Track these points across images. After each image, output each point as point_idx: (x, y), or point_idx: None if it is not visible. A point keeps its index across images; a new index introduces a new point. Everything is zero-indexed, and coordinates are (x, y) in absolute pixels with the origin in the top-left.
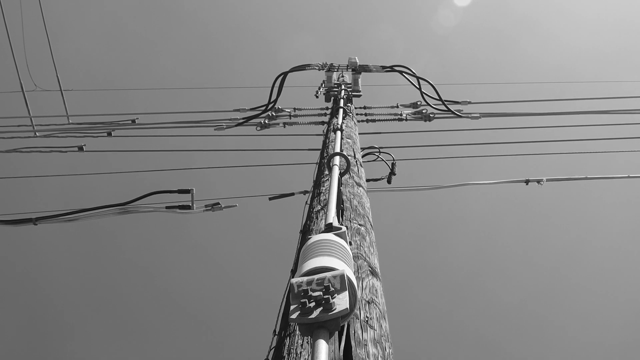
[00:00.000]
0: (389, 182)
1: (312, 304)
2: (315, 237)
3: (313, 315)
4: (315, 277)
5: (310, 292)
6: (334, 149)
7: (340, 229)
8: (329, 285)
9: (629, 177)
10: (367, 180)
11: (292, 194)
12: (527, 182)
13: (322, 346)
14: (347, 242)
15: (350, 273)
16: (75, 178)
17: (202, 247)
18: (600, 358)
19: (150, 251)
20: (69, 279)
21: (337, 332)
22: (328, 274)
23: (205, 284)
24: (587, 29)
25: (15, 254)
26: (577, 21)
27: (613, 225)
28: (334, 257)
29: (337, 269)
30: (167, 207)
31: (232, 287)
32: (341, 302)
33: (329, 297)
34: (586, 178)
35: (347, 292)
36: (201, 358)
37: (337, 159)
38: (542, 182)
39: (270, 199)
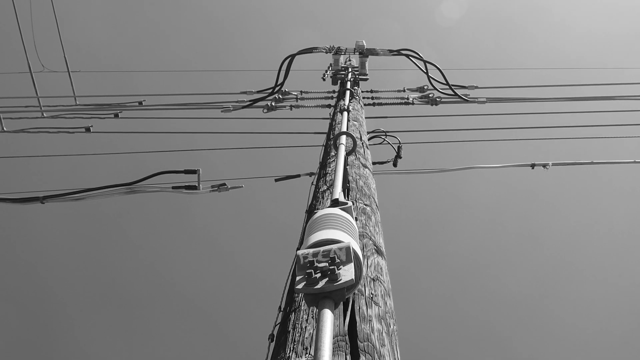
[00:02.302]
0: (394, 165)
1: (318, 275)
2: (321, 212)
3: (319, 286)
4: (321, 249)
5: (316, 264)
6: (340, 129)
7: (346, 203)
8: (334, 257)
9: (635, 162)
10: (373, 163)
11: (298, 176)
12: (532, 166)
13: (328, 316)
14: (352, 216)
15: (355, 246)
16: (82, 159)
17: (208, 228)
18: (607, 347)
19: (155, 233)
20: (72, 262)
21: (342, 308)
22: (334, 246)
23: (209, 266)
24: (594, 14)
25: (19, 237)
26: (584, 7)
27: (620, 211)
28: (339, 230)
29: (343, 242)
30: (173, 187)
31: (237, 268)
32: (347, 273)
33: (334, 268)
34: (592, 163)
35: (352, 264)
36: (206, 339)
37: (343, 138)
38: (548, 167)
39: (276, 180)
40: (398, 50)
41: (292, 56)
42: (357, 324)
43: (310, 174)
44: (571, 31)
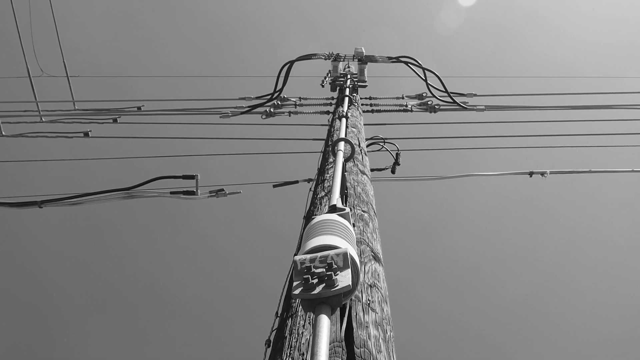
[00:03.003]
0: (393, 172)
1: (315, 280)
2: (318, 217)
3: (316, 291)
4: (319, 254)
5: (313, 269)
6: (338, 136)
7: (344, 210)
8: (331, 263)
9: (633, 171)
10: (372, 170)
11: (297, 182)
12: (530, 174)
13: (324, 321)
14: (350, 222)
15: (353, 252)
16: (80, 163)
17: (206, 233)
18: (603, 356)
19: (153, 239)
20: (70, 266)
21: (339, 314)
22: (331, 252)
23: (207, 271)
24: (592, 24)
25: (17, 242)
26: (582, 17)
27: (617, 219)
28: (337, 236)
29: (340, 247)
30: (171, 193)
31: (235, 274)
32: (344, 279)
33: (331, 274)
34: (590, 171)
35: (349, 270)
36: (203, 344)
37: (341, 145)
38: (545, 175)
39: (274, 186)
40: (397, 58)
41: (291, 62)
42: (354, 330)
43: (309, 180)
44: (569, 40)
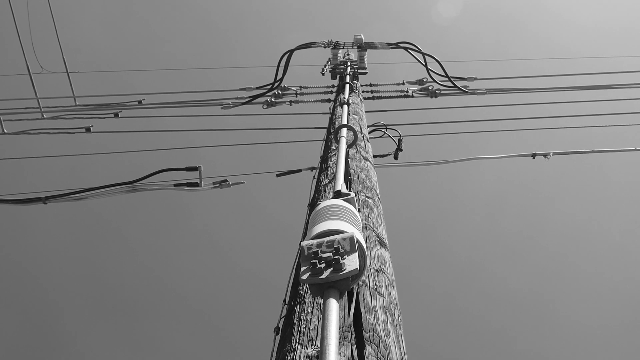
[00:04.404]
0: (395, 157)
1: (323, 265)
2: (324, 203)
3: (324, 276)
4: (325, 239)
5: (320, 254)
6: (340, 123)
7: (349, 194)
8: (338, 247)
9: (635, 149)
10: (374, 156)
11: (300, 170)
12: (534, 156)
13: (333, 305)
14: (355, 207)
15: (359, 236)
16: (83, 159)
17: (210, 224)
18: (609, 342)
19: (157, 231)
20: (76, 262)
21: (347, 299)
22: (338, 236)
23: (213, 262)
24: (589, 6)
25: (22, 239)
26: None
27: (622, 199)
28: (343, 220)
29: (347, 232)
30: (175, 185)
31: (241, 264)
32: (351, 262)
33: (339, 258)
34: (593, 151)
35: (356, 254)
36: (211, 335)
37: (344, 131)
38: (548, 156)
39: (277, 175)
40: (396, 43)
41: (291, 51)
42: (362, 315)
43: (312, 169)
44: (568, 23)
